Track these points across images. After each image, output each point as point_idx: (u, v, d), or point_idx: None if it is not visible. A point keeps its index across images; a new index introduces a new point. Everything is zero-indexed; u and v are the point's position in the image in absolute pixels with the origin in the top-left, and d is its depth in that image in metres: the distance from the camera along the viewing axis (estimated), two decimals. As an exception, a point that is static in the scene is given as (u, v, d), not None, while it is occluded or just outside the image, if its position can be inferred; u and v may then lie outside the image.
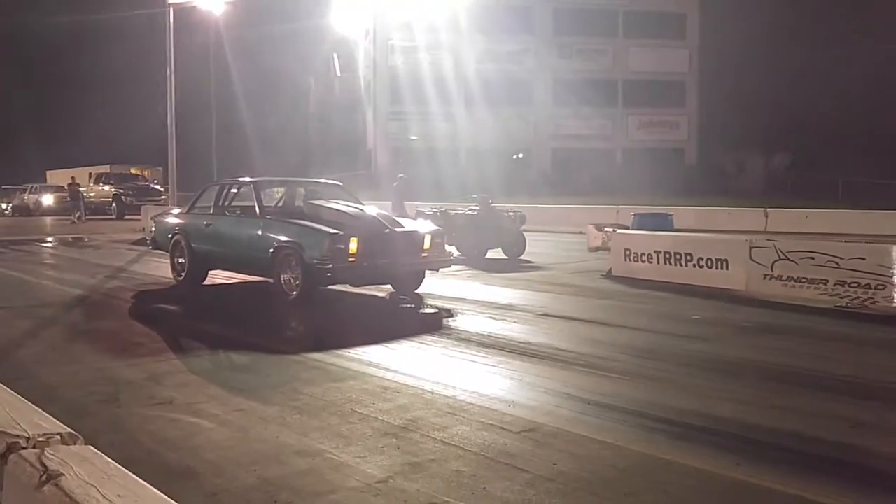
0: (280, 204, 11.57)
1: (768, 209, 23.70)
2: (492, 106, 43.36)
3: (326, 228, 9.21)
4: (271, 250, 9.51)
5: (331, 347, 7.12)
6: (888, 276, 8.90)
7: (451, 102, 42.94)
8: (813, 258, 9.61)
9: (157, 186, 34.54)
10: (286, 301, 9.39)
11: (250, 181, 11.37)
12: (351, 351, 6.94)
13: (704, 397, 5.59)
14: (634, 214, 15.92)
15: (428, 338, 7.64)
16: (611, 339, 7.65)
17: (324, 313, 9.36)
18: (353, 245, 9.04)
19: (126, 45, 44.20)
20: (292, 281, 9.35)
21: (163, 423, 4.93)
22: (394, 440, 4.60)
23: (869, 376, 6.26)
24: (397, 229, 9.73)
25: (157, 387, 5.79)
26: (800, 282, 9.73)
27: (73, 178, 31.97)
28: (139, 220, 23.85)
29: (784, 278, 9.90)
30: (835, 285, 9.36)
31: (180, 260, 11.22)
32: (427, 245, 9.88)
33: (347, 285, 9.91)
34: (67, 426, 2.27)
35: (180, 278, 11.19)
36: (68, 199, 30.62)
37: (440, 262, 10.23)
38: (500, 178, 33.23)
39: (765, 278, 10.11)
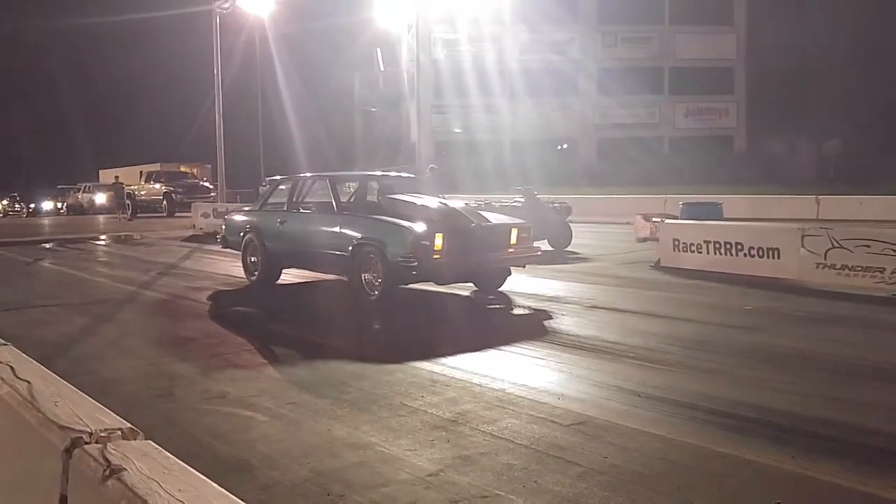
0: (352, 199, 11.27)
1: (820, 196, 23.18)
2: (535, 97, 43.12)
3: (409, 224, 8.76)
4: (350, 248, 9.13)
5: (416, 354, 7.11)
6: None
7: (494, 94, 42.80)
8: (869, 246, 9.39)
9: (207, 184, 35.07)
10: (366, 301, 8.98)
11: (326, 175, 11.14)
12: (427, 353, 6.94)
13: (758, 389, 5.50)
14: (683, 204, 15.71)
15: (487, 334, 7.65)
16: (661, 331, 7.56)
17: (404, 314, 8.97)
18: (439, 241, 8.56)
19: (175, 44, 44.99)
20: (374, 280, 8.93)
21: (217, 418, 5.01)
22: (444, 433, 4.61)
23: (929, 367, 6.09)
24: (483, 223, 9.30)
25: (210, 381, 5.90)
26: (854, 270, 9.51)
27: (116, 177, 32.44)
28: (189, 216, 24.23)
29: (838, 267, 9.68)
30: (892, 273, 9.13)
31: (252, 259, 10.96)
32: (513, 239, 9.40)
33: (431, 283, 9.43)
34: (127, 421, 2.32)
35: (253, 277, 10.93)
36: (114, 197, 31.28)
37: (527, 257, 9.63)
38: (544, 170, 33.07)
39: (818, 267, 9.91)
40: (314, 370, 6.24)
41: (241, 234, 11.11)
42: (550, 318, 8.29)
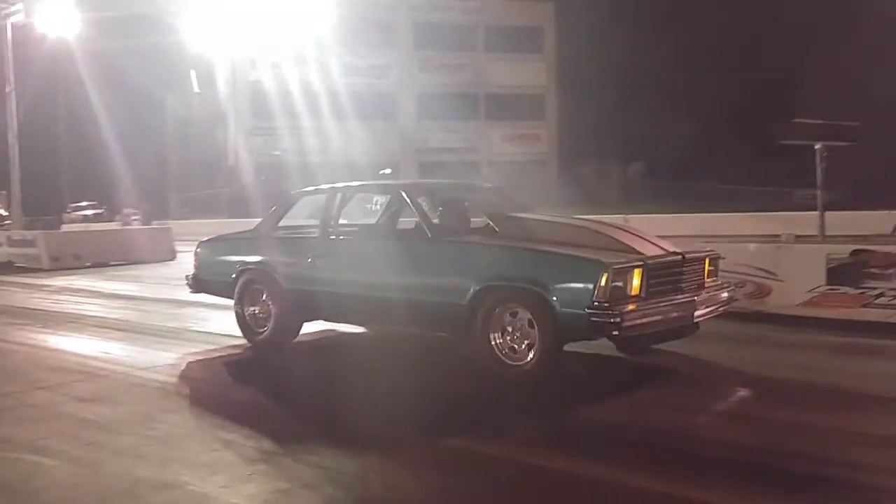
0: (382, 219, 8.00)
1: (628, 215, 24.52)
2: (356, 120, 43.05)
3: (591, 255, 5.85)
4: (470, 294, 6.04)
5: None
6: (749, 275, 9.18)
7: (314, 117, 42.34)
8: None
9: (1, 211, 32.18)
10: (509, 376, 5.92)
11: (397, 185, 8.00)
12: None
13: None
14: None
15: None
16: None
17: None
18: (636, 280, 5.74)
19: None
20: (520, 342, 5.92)
21: (-3, 466, 4.37)
22: (263, 466, 4.25)
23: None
24: (682, 253, 6.28)
25: (-7, 425, 5.17)
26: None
27: None
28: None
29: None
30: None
31: (255, 310, 7.56)
32: (707, 277, 6.53)
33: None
34: None
35: (260, 337, 7.50)
36: None
37: (727, 296, 6.67)
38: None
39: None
40: (117, 405, 5.64)
41: (235, 274, 7.70)
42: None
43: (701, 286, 6.28)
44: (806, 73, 34.01)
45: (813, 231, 11.74)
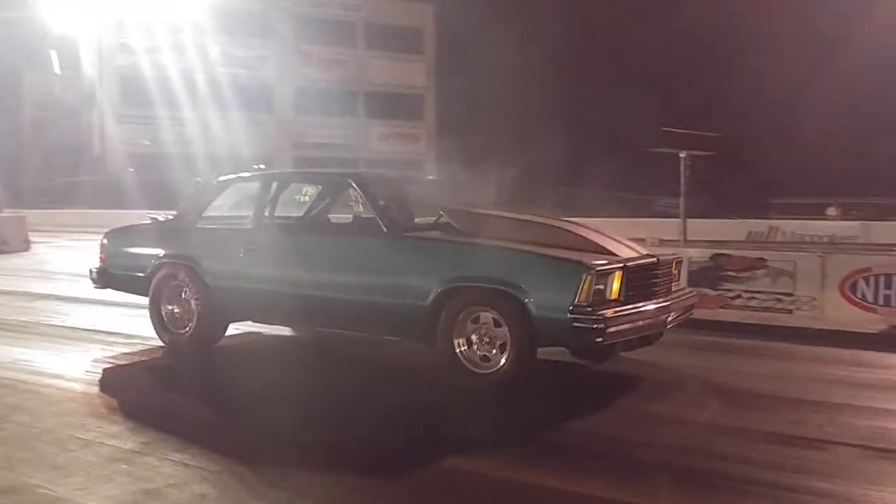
0: (314, 211, 7.39)
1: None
2: (232, 111, 41.83)
3: (571, 256, 5.49)
4: (432, 296, 5.57)
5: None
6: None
7: (189, 106, 40.81)
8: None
9: None
10: (473, 384, 5.53)
11: (344, 174, 7.34)
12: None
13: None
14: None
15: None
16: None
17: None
18: (616, 284, 5.42)
19: None
20: (488, 349, 5.50)
21: None
22: (124, 466, 4.01)
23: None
24: (656, 255, 6.06)
25: None
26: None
27: None
28: None
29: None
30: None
31: (174, 309, 6.87)
32: (677, 280, 6.47)
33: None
34: None
35: (180, 338, 6.80)
36: None
37: (692, 301, 6.50)
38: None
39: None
40: (-40, 404, 5.20)
41: (151, 268, 6.96)
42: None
43: (669, 290, 6.05)
44: (675, 85, 35.70)
45: (675, 236, 12.28)
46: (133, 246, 7.42)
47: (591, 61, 40.53)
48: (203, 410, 5.18)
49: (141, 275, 6.99)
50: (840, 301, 8.24)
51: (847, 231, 17.81)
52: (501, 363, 5.42)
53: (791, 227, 18.97)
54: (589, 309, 5.14)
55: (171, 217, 7.48)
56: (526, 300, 5.28)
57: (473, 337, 5.54)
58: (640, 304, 5.55)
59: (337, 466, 4.08)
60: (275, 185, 6.87)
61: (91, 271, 7.50)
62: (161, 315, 6.91)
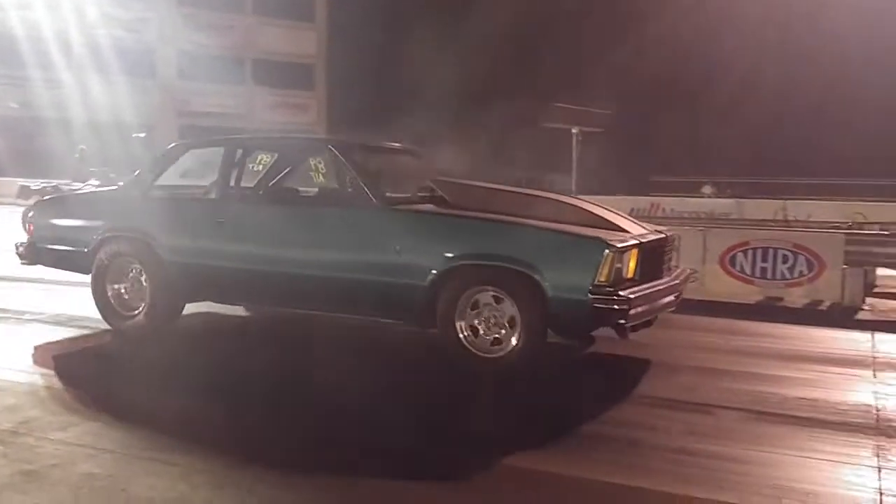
0: (273, 182, 6.73)
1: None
2: (114, 75, 39.87)
3: (588, 232, 5.14)
4: (434, 273, 5.17)
5: None
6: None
7: (61, 68, 38.58)
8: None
9: None
10: (478, 369, 5.16)
11: (321, 140, 6.51)
12: None
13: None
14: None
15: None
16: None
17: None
18: (632, 262, 5.13)
19: None
20: (496, 333, 5.13)
21: None
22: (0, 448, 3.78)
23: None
24: (664, 232, 5.81)
25: None
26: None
27: None
28: None
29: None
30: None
31: (121, 288, 6.25)
32: (673, 259, 6.22)
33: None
34: None
35: (129, 321, 6.20)
36: None
37: (688, 279, 6.17)
38: (125, 155, 30.64)
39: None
40: None
41: (94, 243, 6.27)
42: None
43: (670, 269, 5.85)
44: (567, 61, 36.26)
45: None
46: (68, 218, 6.64)
47: (489, 31, 40.61)
48: (119, 391, 4.94)
49: (79, 250, 6.32)
50: (720, 273, 8.65)
51: (722, 208, 18.66)
52: (510, 347, 5.06)
53: (670, 203, 19.73)
54: (610, 289, 4.82)
55: (114, 186, 6.98)
56: (540, 280, 4.90)
57: (477, 320, 5.15)
58: (654, 284, 5.32)
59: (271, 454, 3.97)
60: (240, 151, 6.27)
61: (17, 246, 6.77)
62: (107, 295, 6.26)
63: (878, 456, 3.92)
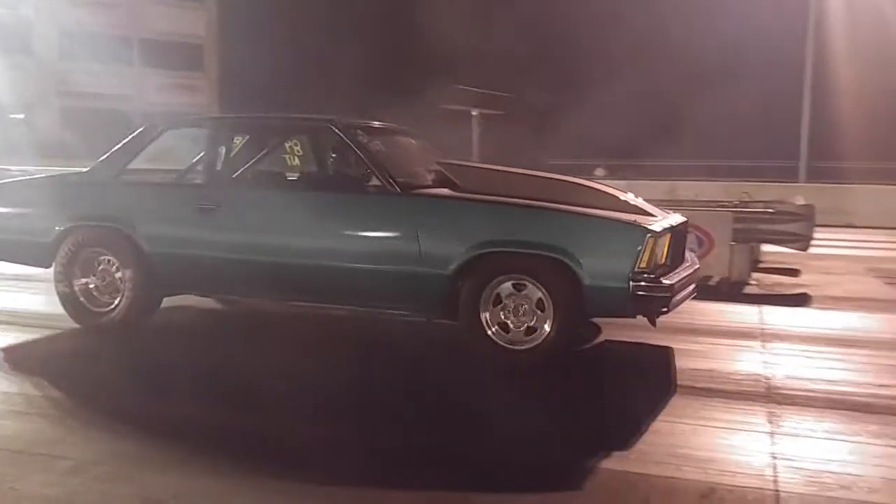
0: (266, 165, 6.20)
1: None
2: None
3: (623, 217, 4.91)
4: (458, 261, 4.86)
5: None
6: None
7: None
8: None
9: None
10: (504, 362, 4.93)
11: (327, 120, 5.73)
12: None
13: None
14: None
15: None
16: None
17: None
18: (665, 247, 4.91)
19: None
20: (525, 324, 4.86)
21: None
22: None
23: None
24: (680, 216, 5.53)
25: None
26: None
27: None
28: None
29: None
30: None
31: (90, 283, 5.76)
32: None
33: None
34: None
35: (103, 318, 5.70)
36: None
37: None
38: (1, 135, 28.98)
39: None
40: None
41: (57, 233, 5.75)
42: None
43: (685, 255, 5.57)
44: (468, 44, 36.34)
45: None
46: (20, 206, 6.03)
47: (386, 9, 40.32)
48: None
49: (38, 241, 5.77)
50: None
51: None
52: (541, 338, 4.81)
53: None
54: (652, 276, 4.64)
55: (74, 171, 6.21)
56: (575, 267, 4.66)
57: (503, 310, 4.88)
58: (682, 269, 5.15)
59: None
60: (227, 132, 5.88)
61: None
62: (73, 290, 5.74)
63: (770, 422, 4.10)
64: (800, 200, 9.51)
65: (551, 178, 5.68)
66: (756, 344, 5.80)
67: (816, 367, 5.17)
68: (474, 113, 11.15)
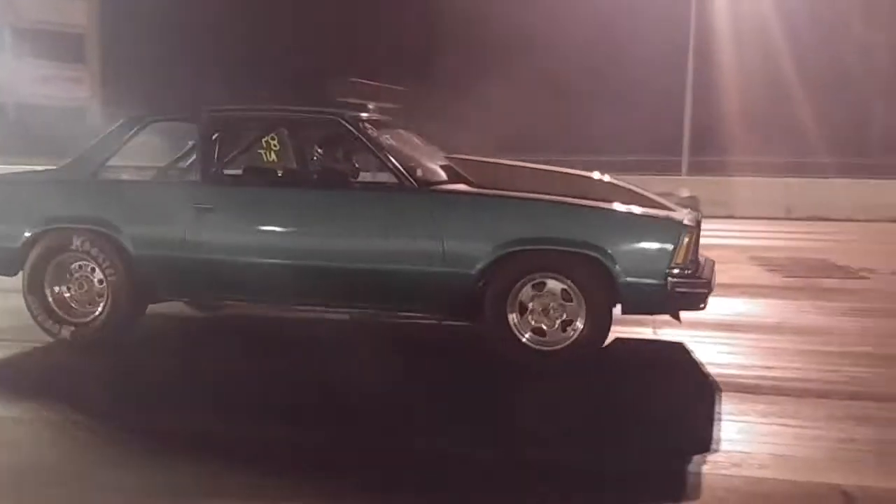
0: (258, 161, 5.92)
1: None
2: None
3: (656, 213, 4.80)
4: (484, 260, 4.63)
5: None
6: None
7: None
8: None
9: None
10: (535, 364, 4.74)
11: (334, 112, 5.34)
12: None
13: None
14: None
15: None
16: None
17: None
18: (693, 243, 4.71)
19: None
20: (553, 324, 4.69)
21: None
22: None
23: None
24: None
25: None
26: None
27: None
28: None
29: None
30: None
31: (65, 291, 5.26)
32: None
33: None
34: None
35: (86, 327, 5.20)
36: None
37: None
38: None
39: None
40: None
41: (25, 238, 5.22)
42: None
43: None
44: (363, 36, 36.06)
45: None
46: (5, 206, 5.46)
47: (277, 5, 39.49)
48: None
49: (4, 247, 5.27)
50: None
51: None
52: (571, 338, 4.66)
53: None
54: (688, 272, 4.53)
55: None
56: (610, 264, 4.51)
57: (532, 309, 4.69)
58: (706, 264, 5.03)
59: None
60: (220, 126, 5.39)
61: None
62: (47, 300, 5.23)
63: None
64: (685, 192, 9.84)
65: (565, 173, 5.50)
66: (647, 331, 5.93)
67: (705, 352, 5.36)
68: (371, 107, 11.06)
